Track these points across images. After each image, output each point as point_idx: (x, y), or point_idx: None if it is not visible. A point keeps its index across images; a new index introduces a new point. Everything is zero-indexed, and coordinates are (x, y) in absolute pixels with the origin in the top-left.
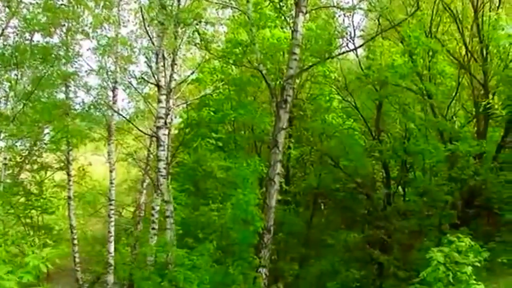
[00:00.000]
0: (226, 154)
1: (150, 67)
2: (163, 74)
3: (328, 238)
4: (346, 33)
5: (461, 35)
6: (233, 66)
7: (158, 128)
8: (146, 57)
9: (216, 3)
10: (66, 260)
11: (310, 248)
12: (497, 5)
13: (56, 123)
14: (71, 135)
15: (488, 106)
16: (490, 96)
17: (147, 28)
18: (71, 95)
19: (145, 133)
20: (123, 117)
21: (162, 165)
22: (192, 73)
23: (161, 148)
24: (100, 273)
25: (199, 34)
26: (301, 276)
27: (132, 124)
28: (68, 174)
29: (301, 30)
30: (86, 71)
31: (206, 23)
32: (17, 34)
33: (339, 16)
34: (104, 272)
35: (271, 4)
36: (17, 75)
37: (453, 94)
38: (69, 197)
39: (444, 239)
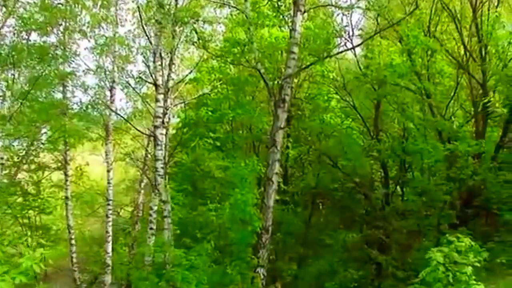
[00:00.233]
0: (224, 154)
1: (148, 66)
2: (160, 73)
3: (326, 238)
4: (345, 32)
5: (459, 34)
6: (231, 66)
7: (156, 127)
8: (144, 57)
9: (214, 1)
10: (64, 260)
11: (308, 248)
12: (495, 4)
13: (54, 123)
14: (69, 135)
15: (488, 104)
16: (491, 93)
17: (145, 27)
18: (69, 94)
19: (142, 133)
20: (121, 116)
21: (159, 164)
22: (190, 73)
23: (159, 147)
24: (98, 273)
25: (196, 32)
26: (299, 276)
27: (130, 123)
28: (66, 174)
29: (299, 29)
30: (83, 71)
31: (204, 21)
32: (14, 34)
33: (337, 15)
34: (102, 272)
35: (269, 3)
36: (14, 75)
37: (452, 93)
38: (66, 197)
39: (443, 239)
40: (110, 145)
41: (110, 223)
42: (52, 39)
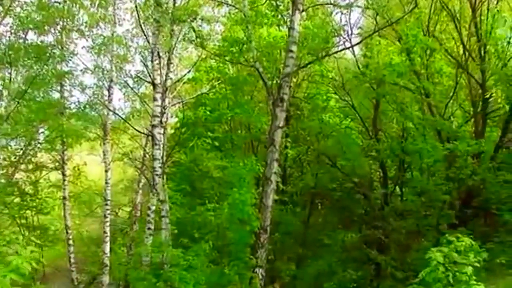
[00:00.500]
0: (223, 154)
1: (146, 66)
2: (158, 72)
3: (325, 238)
4: (344, 31)
5: (459, 34)
6: (229, 65)
7: (154, 126)
8: (142, 56)
9: (212, 0)
10: (62, 261)
11: (307, 248)
12: (495, 2)
13: (51, 123)
14: (66, 134)
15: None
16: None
17: (143, 26)
18: (66, 94)
19: (140, 132)
20: (119, 116)
21: (157, 164)
22: (188, 72)
23: (157, 147)
24: (96, 274)
25: (194, 31)
26: (298, 277)
27: (128, 123)
28: (63, 174)
29: (297, 27)
30: (81, 70)
31: (202, 19)
32: (11, 33)
33: (336, 13)
34: (100, 272)
35: (267, 2)
36: (11, 74)
37: (451, 93)
38: (64, 197)
39: (442, 239)
40: (108, 145)
41: (108, 223)
42: (50, 38)
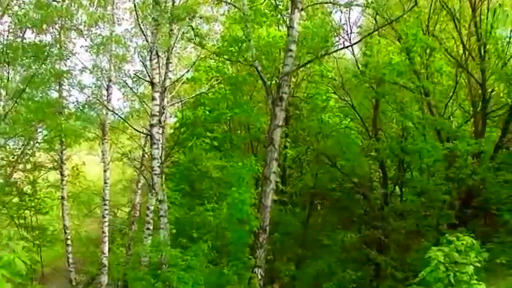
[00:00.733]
0: (222, 154)
1: (145, 65)
2: (157, 71)
3: (324, 239)
4: (343, 30)
5: (458, 33)
6: (229, 65)
7: (152, 125)
8: (141, 55)
9: None
10: (60, 261)
11: (306, 249)
12: (495, 1)
13: (50, 122)
14: (65, 134)
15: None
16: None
17: (141, 26)
18: (65, 93)
19: (139, 131)
20: (118, 116)
21: (156, 163)
22: (187, 71)
23: (155, 146)
24: (94, 274)
25: (193, 29)
26: (297, 277)
27: (127, 123)
28: (62, 174)
29: (297, 26)
30: (80, 70)
31: (200, 17)
32: (8, 32)
33: (336, 12)
34: (98, 273)
35: (266, 0)
36: (9, 73)
37: (451, 92)
38: (62, 197)
39: (442, 239)
40: (107, 144)
41: (107, 224)
42: (48, 37)
